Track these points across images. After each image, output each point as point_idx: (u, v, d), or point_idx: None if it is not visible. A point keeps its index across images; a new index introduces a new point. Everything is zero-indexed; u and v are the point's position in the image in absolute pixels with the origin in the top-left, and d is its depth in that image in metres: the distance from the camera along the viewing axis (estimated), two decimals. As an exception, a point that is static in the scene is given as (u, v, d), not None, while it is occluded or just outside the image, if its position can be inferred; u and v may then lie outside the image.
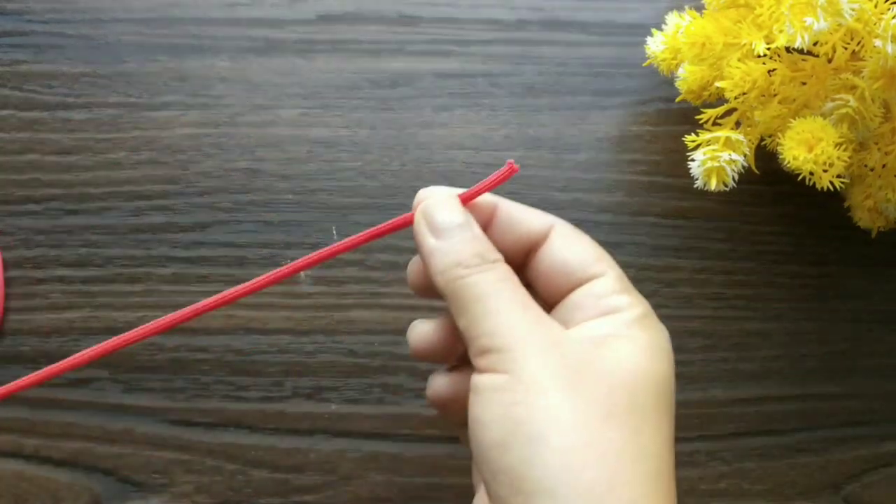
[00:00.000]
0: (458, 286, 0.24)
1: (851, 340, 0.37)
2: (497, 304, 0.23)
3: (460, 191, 0.26)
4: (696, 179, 0.32)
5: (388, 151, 0.36)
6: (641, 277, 0.36)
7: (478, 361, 0.23)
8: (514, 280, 0.24)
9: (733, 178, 0.32)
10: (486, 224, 0.26)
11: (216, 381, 0.34)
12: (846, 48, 0.30)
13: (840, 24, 0.27)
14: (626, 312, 0.25)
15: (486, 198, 0.26)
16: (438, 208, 0.25)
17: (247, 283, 0.28)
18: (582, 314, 0.25)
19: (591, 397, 0.22)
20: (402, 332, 0.35)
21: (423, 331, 0.27)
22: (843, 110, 0.30)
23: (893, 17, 0.27)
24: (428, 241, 0.25)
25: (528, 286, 0.25)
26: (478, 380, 0.23)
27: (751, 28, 0.30)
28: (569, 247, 0.26)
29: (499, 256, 0.25)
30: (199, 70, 0.36)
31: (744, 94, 0.31)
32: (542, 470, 0.21)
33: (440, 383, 0.27)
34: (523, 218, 0.26)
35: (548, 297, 0.26)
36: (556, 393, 0.22)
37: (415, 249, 0.26)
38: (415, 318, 0.35)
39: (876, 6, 0.28)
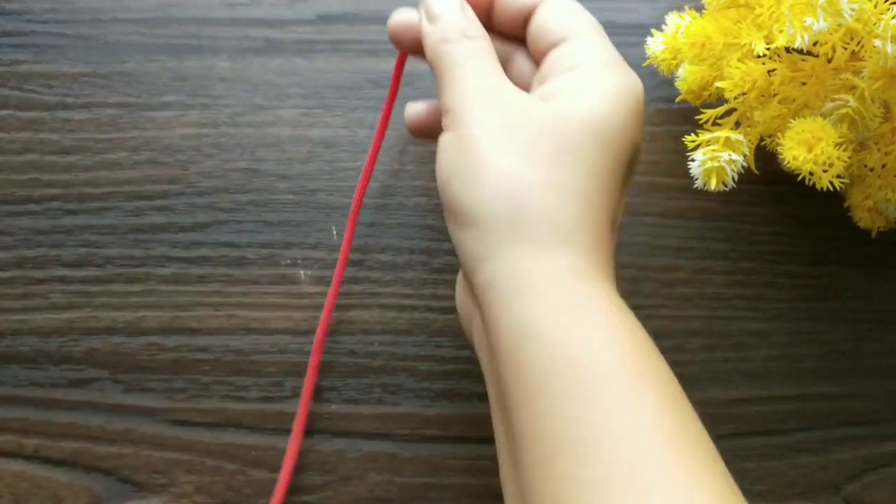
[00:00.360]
0: (439, 56, 0.28)
1: (851, 340, 0.37)
2: (464, 72, 0.27)
3: None
4: (696, 179, 0.32)
5: (388, 151, 0.36)
6: (641, 277, 0.36)
7: (442, 121, 0.27)
8: (487, 53, 0.28)
9: (733, 178, 0.32)
10: (489, 4, 0.30)
11: (216, 381, 0.34)
12: (846, 48, 0.30)
13: (840, 25, 0.27)
14: (583, 68, 0.27)
15: None
16: None
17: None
18: (551, 73, 0.28)
19: (519, 143, 0.25)
20: (402, 332, 0.35)
21: (416, 108, 0.33)
22: (843, 110, 0.30)
23: (893, 18, 0.27)
24: (425, 26, 0.29)
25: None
26: (441, 137, 0.27)
27: (751, 28, 0.30)
28: (552, 14, 0.29)
29: (480, 33, 0.28)
30: (199, 70, 0.36)
31: (744, 94, 0.31)
32: (469, 203, 0.25)
33: (416, 108, 0.33)
34: None
35: (536, 63, 0.29)
36: (487, 141, 0.26)
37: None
38: (414, 318, 0.35)
39: (876, 6, 0.28)
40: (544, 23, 0.29)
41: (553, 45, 0.28)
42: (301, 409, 0.33)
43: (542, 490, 0.23)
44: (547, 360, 0.23)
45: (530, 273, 0.24)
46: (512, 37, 0.30)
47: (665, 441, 0.22)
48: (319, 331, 0.33)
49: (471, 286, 0.26)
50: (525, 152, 0.25)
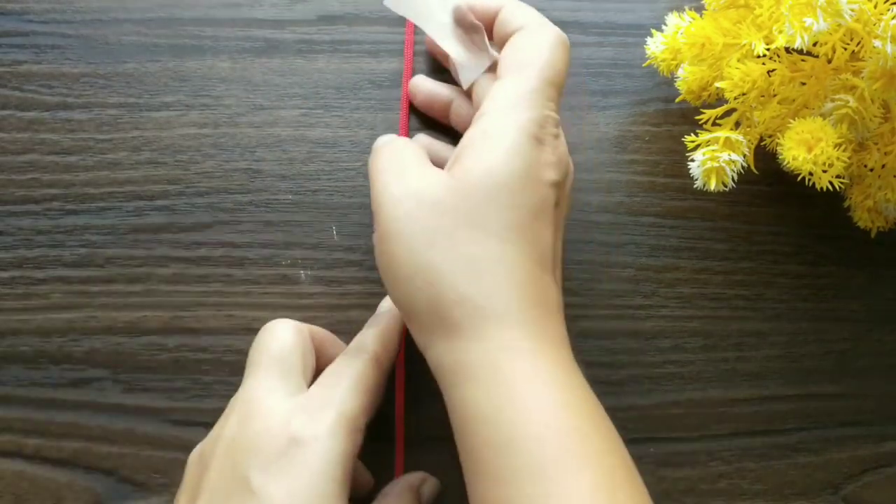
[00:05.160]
0: (376, 146, 0.31)
1: (851, 340, 0.37)
2: (382, 171, 0.29)
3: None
4: (696, 179, 0.32)
5: (388, 151, 0.36)
6: (641, 277, 0.36)
7: None
8: (403, 147, 0.30)
9: (733, 179, 0.32)
10: (492, 22, 0.32)
11: (216, 381, 0.34)
12: (846, 48, 0.30)
13: (840, 25, 0.27)
14: (482, 119, 0.29)
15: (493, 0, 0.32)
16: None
17: None
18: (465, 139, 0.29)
19: (422, 227, 0.27)
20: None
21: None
22: (843, 110, 0.30)
23: (893, 18, 0.27)
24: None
25: None
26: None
27: (750, 28, 0.30)
28: (514, 44, 0.30)
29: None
30: (199, 70, 0.36)
31: (743, 94, 0.31)
32: (399, 300, 0.28)
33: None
34: (513, 14, 0.31)
35: None
36: (396, 234, 0.27)
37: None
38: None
39: (875, 7, 0.28)
40: (505, 53, 0.30)
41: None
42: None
43: None
44: (484, 443, 0.25)
45: (461, 363, 0.26)
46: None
47: None
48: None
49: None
50: (430, 236, 0.27)
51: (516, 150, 0.27)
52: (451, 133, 0.36)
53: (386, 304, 0.34)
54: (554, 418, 0.24)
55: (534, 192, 0.27)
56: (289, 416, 0.27)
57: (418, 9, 0.32)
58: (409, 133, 0.36)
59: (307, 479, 0.26)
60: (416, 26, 0.35)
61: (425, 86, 0.35)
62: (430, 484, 0.33)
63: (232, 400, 0.30)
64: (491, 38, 0.32)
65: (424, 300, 0.26)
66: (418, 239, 0.27)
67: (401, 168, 0.29)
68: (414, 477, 0.33)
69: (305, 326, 0.31)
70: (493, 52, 0.32)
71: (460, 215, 0.27)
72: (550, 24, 0.31)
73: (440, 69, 0.37)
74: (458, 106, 0.34)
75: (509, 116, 0.28)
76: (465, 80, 0.32)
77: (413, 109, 0.36)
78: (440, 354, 0.27)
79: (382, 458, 0.34)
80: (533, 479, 0.23)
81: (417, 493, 0.32)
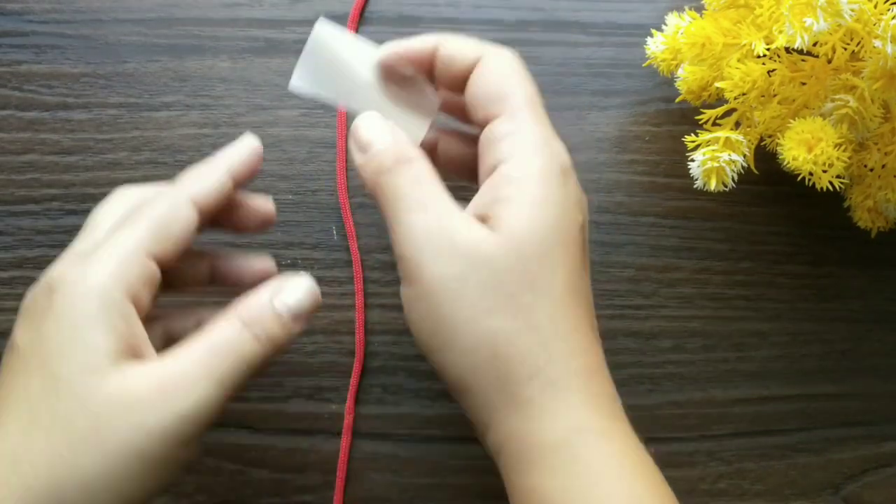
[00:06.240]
0: (380, 190, 0.26)
1: (851, 340, 0.37)
2: (407, 208, 0.25)
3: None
4: (696, 179, 0.32)
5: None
6: (641, 277, 0.36)
7: (398, 270, 0.26)
8: (426, 176, 0.26)
9: (733, 179, 0.32)
10: (429, 63, 0.29)
11: (216, 381, 0.34)
12: (846, 48, 0.30)
13: (840, 25, 0.27)
14: (504, 167, 0.26)
15: (427, 39, 0.28)
16: (360, 127, 0.28)
17: None
18: (483, 161, 0.27)
19: (482, 293, 0.24)
20: (402, 332, 0.35)
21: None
22: (843, 110, 0.30)
23: (893, 18, 0.27)
24: (358, 158, 0.27)
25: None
26: (402, 290, 0.26)
27: (750, 28, 0.30)
28: (484, 78, 0.27)
29: (414, 154, 0.27)
30: (199, 70, 0.36)
31: (743, 94, 0.31)
32: (458, 374, 0.25)
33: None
34: (459, 49, 0.28)
35: (477, 125, 0.28)
36: (452, 299, 0.24)
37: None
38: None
39: (875, 7, 0.28)
40: (476, 87, 0.28)
41: (486, 119, 0.27)
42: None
43: None
44: None
45: (533, 446, 0.24)
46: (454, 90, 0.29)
47: None
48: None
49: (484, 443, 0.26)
50: (490, 301, 0.24)
51: (554, 199, 0.25)
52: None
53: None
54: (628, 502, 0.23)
55: (575, 241, 0.26)
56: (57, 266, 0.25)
57: (335, 81, 0.28)
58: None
59: (55, 324, 0.24)
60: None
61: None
62: (295, 287, 0.26)
63: None
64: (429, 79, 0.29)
65: (493, 374, 0.24)
66: (479, 305, 0.24)
67: (435, 202, 0.26)
68: (264, 290, 0.27)
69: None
70: (436, 94, 0.29)
71: (517, 277, 0.24)
72: (499, 47, 0.28)
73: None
74: (446, 147, 0.31)
75: (532, 160, 0.26)
76: (416, 137, 0.29)
77: None
78: (507, 435, 0.25)
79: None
80: None
81: (269, 307, 0.26)
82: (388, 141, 0.27)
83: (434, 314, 0.25)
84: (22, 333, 0.25)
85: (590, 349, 0.26)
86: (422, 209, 0.25)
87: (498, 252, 0.25)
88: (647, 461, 0.25)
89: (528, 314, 0.24)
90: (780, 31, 0.29)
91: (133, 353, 0.24)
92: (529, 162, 0.26)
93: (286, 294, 0.26)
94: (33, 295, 0.26)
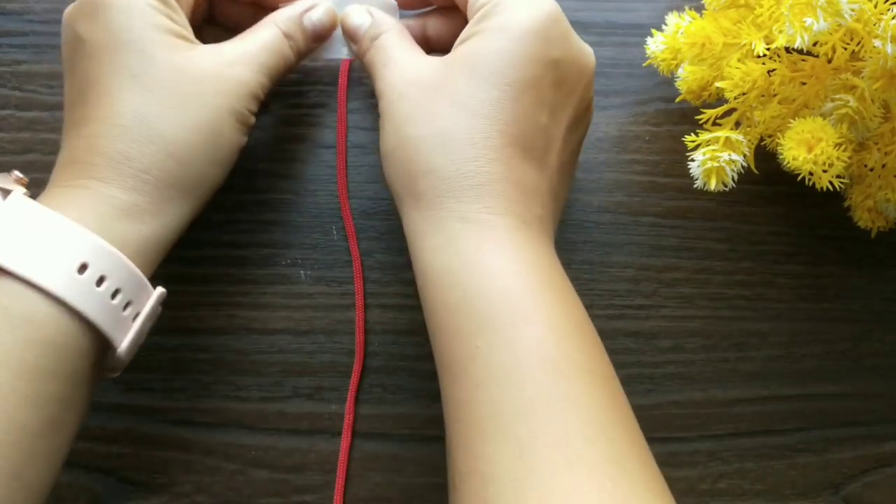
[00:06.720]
0: (366, 61, 0.32)
1: (851, 340, 0.37)
2: (382, 63, 0.31)
3: None
4: (696, 179, 0.32)
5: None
6: (641, 277, 0.36)
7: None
8: (393, 40, 0.32)
9: (733, 178, 0.32)
10: None
11: (216, 380, 0.34)
12: (846, 48, 0.30)
13: (840, 25, 0.27)
14: (480, 12, 0.30)
15: None
16: (347, 18, 0.34)
17: None
18: (469, 12, 0.31)
19: (412, 105, 0.29)
20: (402, 332, 0.35)
21: None
22: (843, 110, 0.30)
23: (893, 18, 0.27)
24: (351, 47, 0.34)
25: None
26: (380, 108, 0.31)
27: (751, 28, 0.30)
28: None
29: (388, 25, 0.32)
30: (199, 70, 0.36)
31: (744, 94, 0.31)
32: (388, 181, 0.30)
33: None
34: None
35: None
36: (392, 115, 0.29)
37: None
38: (414, 318, 0.35)
39: (876, 6, 0.28)
40: None
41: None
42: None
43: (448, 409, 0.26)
44: (440, 303, 0.27)
45: (422, 231, 0.28)
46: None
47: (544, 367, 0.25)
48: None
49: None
50: (411, 113, 0.29)
51: (501, 30, 0.28)
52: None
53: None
54: (502, 280, 0.26)
55: (522, 69, 0.28)
56: None
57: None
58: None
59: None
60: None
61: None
62: (321, 10, 0.33)
63: None
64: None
65: (400, 172, 0.29)
66: (402, 116, 0.29)
67: (400, 62, 0.31)
68: (298, 4, 0.33)
69: None
70: None
71: (441, 93, 0.28)
72: None
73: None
74: (435, 27, 0.34)
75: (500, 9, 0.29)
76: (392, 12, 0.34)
77: None
78: (408, 224, 0.29)
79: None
80: (481, 334, 0.25)
81: (300, 19, 0.33)
82: (366, 25, 0.33)
83: (381, 132, 0.30)
84: (84, 28, 0.29)
85: (500, 164, 0.28)
86: (391, 62, 0.31)
87: (430, 73, 0.29)
88: (535, 247, 0.27)
89: (443, 123, 0.28)
90: (780, 31, 0.29)
91: (188, 41, 0.30)
92: (500, 3, 0.29)
93: (313, 12, 0.33)
94: (74, 5, 0.29)
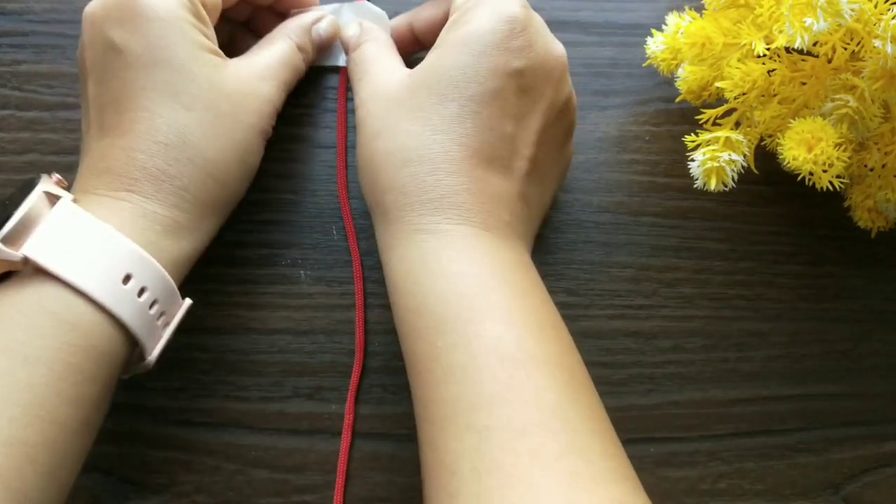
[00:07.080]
0: (349, 66, 0.34)
1: (851, 340, 0.37)
2: (360, 73, 0.32)
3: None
4: (696, 179, 0.32)
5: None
6: (641, 277, 0.36)
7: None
8: (371, 53, 0.33)
9: (733, 178, 0.32)
10: (412, 33, 0.35)
11: (216, 380, 0.34)
12: (846, 48, 0.30)
13: (840, 25, 0.27)
14: (452, 18, 0.31)
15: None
16: (342, 31, 0.36)
17: None
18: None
19: (379, 118, 0.30)
20: (402, 332, 0.35)
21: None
22: (843, 110, 0.30)
23: (893, 18, 0.27)
24: (346, 56, 0.35)
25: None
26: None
27: (751, 28, 0.30)
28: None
29: (371, 36, 0.34)
30: (199, 70, 0.36)
31: (744, 94, 0.31)
32: (363, 194, 0.31)
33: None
34: None
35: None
36: (362, 129, 0.30)
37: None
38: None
39: (876, 6, 0.28)
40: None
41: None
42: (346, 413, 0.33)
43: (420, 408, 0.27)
44: (404, 308, 0.28)
45: (387, 243, 0.29)
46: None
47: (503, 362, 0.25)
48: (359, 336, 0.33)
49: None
50: (378, 129, 0.30)
51: (464, 44, 0.29)
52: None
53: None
54: (460, 283, 0.27)
55: (483, 83, 0.29)
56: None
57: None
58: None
59: (159, 29, 0.29)
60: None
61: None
62: (327, 21, 0.35)
63: None
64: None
65: (370, 186, 0.30)
66: (370, 132, 0.30)
67: (372, 71, 0.32)
68: (308, 16, 0.34)
69: None
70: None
71: (404, 109, 0.29)
72: None
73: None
74: (421, 28, 0.35)
75: (472, 10, 0.30)
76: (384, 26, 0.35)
77: None
78: (378, 235, 0.30)
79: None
80: (440, 335, 0.26)
81: (310, 31, 0.34)
82: (356, 37, 0.34)
83: (357, 147, 0.31)
84: (121, 37, 0.29)
85: (460, 176, 0.28)
86: (365, 75, 0.32)
87: (396, 89, 0.30)
88: (498, 252, 0.28)
89: (404, 139, 0.29)
90: (780, 31, 0.29)
91: (219, 56, 0.31)
92: (468, 12, 0.30)
93: (321, 24, 0.35)
94: (104, 7, 0.29)
